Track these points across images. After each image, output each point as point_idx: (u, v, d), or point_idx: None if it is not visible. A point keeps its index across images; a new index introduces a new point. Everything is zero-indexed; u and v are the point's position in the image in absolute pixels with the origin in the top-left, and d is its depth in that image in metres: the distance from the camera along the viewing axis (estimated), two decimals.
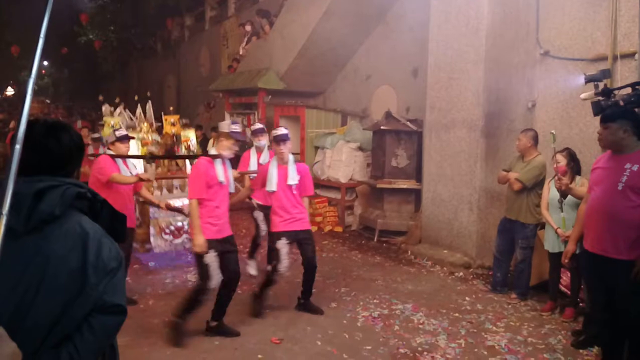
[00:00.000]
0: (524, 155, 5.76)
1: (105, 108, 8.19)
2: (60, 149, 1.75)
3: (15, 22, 24.43)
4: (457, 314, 5.36)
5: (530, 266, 5.79)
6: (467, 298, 5.87)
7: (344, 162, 9.52)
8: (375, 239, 8.54)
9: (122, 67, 25.31)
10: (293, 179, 5.11)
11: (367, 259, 7.54)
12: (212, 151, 4.97)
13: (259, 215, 6.36)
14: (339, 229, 9.34)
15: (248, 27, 12.75)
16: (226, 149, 4.69)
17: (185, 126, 8.34)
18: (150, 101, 8.17)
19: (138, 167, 6.26)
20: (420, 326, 5.02)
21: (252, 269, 6.64)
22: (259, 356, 4.31)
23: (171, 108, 8.97)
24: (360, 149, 9.65)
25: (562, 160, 5.16)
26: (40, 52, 1.20)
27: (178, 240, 7.21)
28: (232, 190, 4.93)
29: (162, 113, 8.03)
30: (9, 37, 23.76)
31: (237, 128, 4.80)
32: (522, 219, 5.67)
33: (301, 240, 5.24)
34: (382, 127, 8.57)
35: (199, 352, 4.37)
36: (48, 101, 30.67)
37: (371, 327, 5.00)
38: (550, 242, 5.34)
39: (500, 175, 5.97)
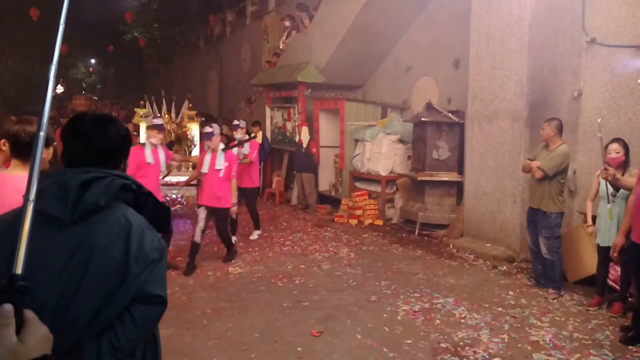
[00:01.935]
0: (548, 144, 5.73)
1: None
2: (107, 141, 1.78)
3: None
4: (500, 309, 5.27)
5: (560, 257, 5.69)
6: (510, 292, 5.77)
7: (384, 154, 9.47)
8: (416, 232, 8.48)
9: (166, 63, 25.77)
10: (219, 164, 6.60)
11: (408, 252, 7.49)
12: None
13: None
14: (379, 222, 9.30)
15: (287, 23, 12.78)
16: (153, 137, 6.54)
17: (191, 119, 10.40)
18: (186, 101, 10.78)
19: None
20: (462, 320, 4.96)
21: (255, 234, 8.25)
22: (299, 349, 4.34)
23: (190, 105, 10.81)
24: (401, 141, 9.57)
25: (620, 151, 5.00)
26: (61, 39, 1.21)
27: (172, 209, 9.04)
28: (162, 169, 6.72)
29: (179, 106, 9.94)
30: None
31: (158, 121, 6.98)
32: (544, 207, 5.61)
33: (217, 216, 6.68)
34: (422, 119, 8.47)
35: (240, 344, 4.43)
36: (95, 98, 31.54)
37: (412, 321, 4.97)
38: (600, 235, 5.19)
39: (524, 164, 5.96)
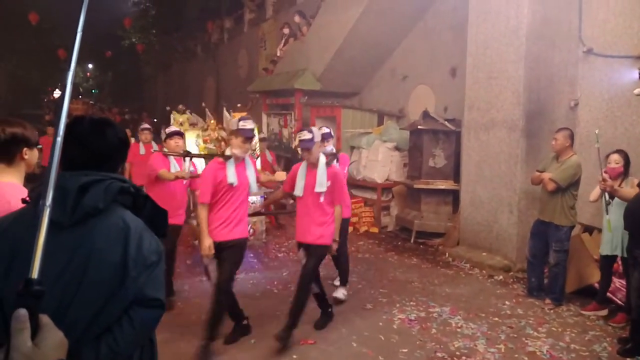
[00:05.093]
0: (560, 155, 5.61)
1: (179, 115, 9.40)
2: (105, 144, 1.79)
3: (62, 26, 25.11)
4: (496, 318, 5.25)
5: (565, 270, 5.64)
6: (507, 302, 5.75)
7: (380, 162, 9.46)
8: (412, 240, 8.45)
9: (163, 69, 25.80)
10: (321, 185, 4.57)
11: (404, 260, 7.47)
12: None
13: None
14: (374, 229, 9.28)
15: (286, 30, 12.82)
16: (237, 147, 4.35)
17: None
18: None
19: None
20: (459, 330, 4.94)
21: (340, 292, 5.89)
22: (294, 356, 4.31)
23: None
24: (397, 148, 9.57)
25: (620, 162, 5.00)
26: (78, 46, 1.21)
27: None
28: (254, 190, 4.68)
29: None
30: (57, 41, 24.41)
31: (246, 125, 4.35)
32: (556, 220, 5.52)
33: (311, 254, 4.73)
34: (419, 127, 8.48)
35: (235, 351, 4.40)
36: (92, 102, 31.53)
37: (407, 329, 4.94)
38: (604, 245, 5.17)
39: (534, 176, 5.84)
